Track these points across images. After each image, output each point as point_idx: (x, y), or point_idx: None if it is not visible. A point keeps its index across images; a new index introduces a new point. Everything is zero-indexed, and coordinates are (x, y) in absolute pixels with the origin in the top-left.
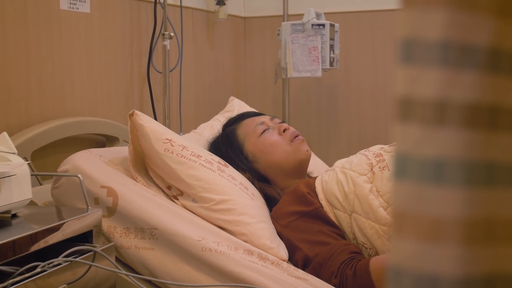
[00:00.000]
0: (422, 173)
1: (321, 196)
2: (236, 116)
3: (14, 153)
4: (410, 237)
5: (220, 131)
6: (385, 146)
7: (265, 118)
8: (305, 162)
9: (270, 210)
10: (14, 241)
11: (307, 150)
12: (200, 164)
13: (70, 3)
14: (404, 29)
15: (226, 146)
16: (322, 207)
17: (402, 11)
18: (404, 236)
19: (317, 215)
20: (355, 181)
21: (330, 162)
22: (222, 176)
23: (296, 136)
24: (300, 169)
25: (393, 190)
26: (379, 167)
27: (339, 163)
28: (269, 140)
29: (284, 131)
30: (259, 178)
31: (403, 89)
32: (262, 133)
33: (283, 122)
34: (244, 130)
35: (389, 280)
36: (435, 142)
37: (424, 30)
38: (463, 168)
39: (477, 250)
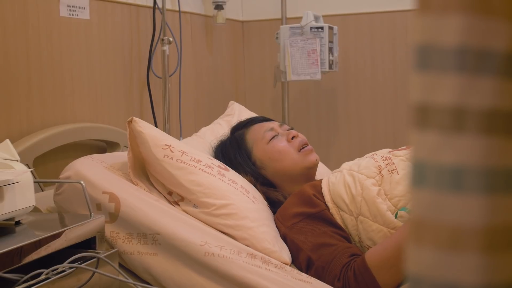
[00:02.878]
0: (441, 180)
1: (327, 198)
2: (246, 120)
3: (17, 160)
4: (429, 246)
5: (228, 134)
6: (394, 150)
7: (274, 124)
8: (312, 170)
9: (274, 213)
10: (18, 249)
11: (316, 159)
12: (200, 169)
13: (70, 10)
14: (420, 35)
15: (235, 150)
16: (328, 209)
17: (418, 17)
18: (423, 245)
19: (322, 217)
20: (363, 184)
21: (330, 165)
22: (222, 180)
23: (304, 144)
24: (307, 176)
25: (410, 198)
26: (388, 170)
27: (346, 165)
28: (277, 147)
29: (292, 138)
30: (263, 183)
31: (419, 96)
32: (270, 140)
33: (292, 129)
34: (253, 135)
35: None
36: (453, 149)
37: (441, 36)
38: (482, 175)
39: (498, 258)
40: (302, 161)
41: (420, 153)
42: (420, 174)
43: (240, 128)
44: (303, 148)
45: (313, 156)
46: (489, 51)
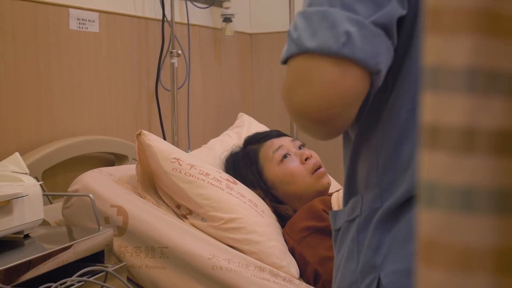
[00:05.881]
0: (451, 201)
1: None
2: (260, 134)
3: (26, 173)
4: (440, 267)
5: (241, 146)
6: None
7: (285, 141)
8: (324, 193)
9: (282, 226)
10: (27, 262)
11: (328, 183)
12: (208, 182)
13: (79, 23)
14: (430, 56)
15: (247, 166)
16: None
17: (428, 38)
18: (434, 266)
19: (330, 232)
20: None
21: (339, 178)
22: (230, 194)
23: (318, 167)
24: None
25: (419, 218)
26: None
27: None
28: (289, 169)
29: (306, 159)
30: (273, 199)
31: (430, 116)
32: (282, 160)
33: (303, 145)
34: (265, 153)
35: None
36: (464, 169)
37: (451, 56)
38: (493, 196)
39: (509, 280)
40: (315, 185)
41: (430, 174)
42: (430, 195)
43: (254, 142)
44: (316, 170)
45: (326, 179)
46: (499, 72)
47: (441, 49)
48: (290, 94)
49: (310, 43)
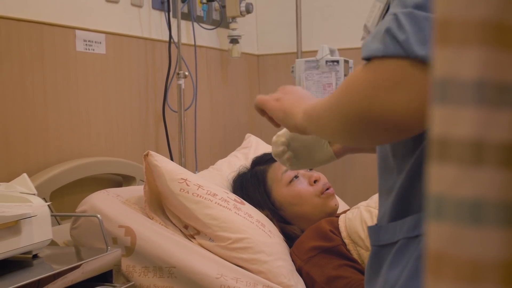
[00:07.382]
0: (460, 214)
1: (344, 234)
2: (269, 155)
3: (34, 194)
4: (447, 279)
5: (248, 167)
6: None
7: None
8: (332, 215)
9: (290, 246)
10: (36, 282)
11: (336, 205)
12: (216, 203)
13: (86, 44)
14: (439, 68)
15: (254, 187)
16: (344, 245)
17: (437, 50)
18: (442, 278)
19: (338, 251)
20: None
21: (346, 199)
22: (238, 214)
23: (327, 188)
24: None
25: (428, 231)
26: None
27: (364, 202)
28: (298, 190)
29: (315, 181)
30: (280, 220)
31: (438, 129)
32: (290, 181)
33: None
34: (273, 175)
35: None
36: (473, 182)
37: (460, 69)
38: (501, 209)
39: None
40: (323, 206)
41: (439, 187)
42: (439, 208)
43: (262, 163)
44: (324, 191)
45: (334, 201)
46: (508, 84)
47: (450, 61)
48: (376, 94)
49: (421, 50)
